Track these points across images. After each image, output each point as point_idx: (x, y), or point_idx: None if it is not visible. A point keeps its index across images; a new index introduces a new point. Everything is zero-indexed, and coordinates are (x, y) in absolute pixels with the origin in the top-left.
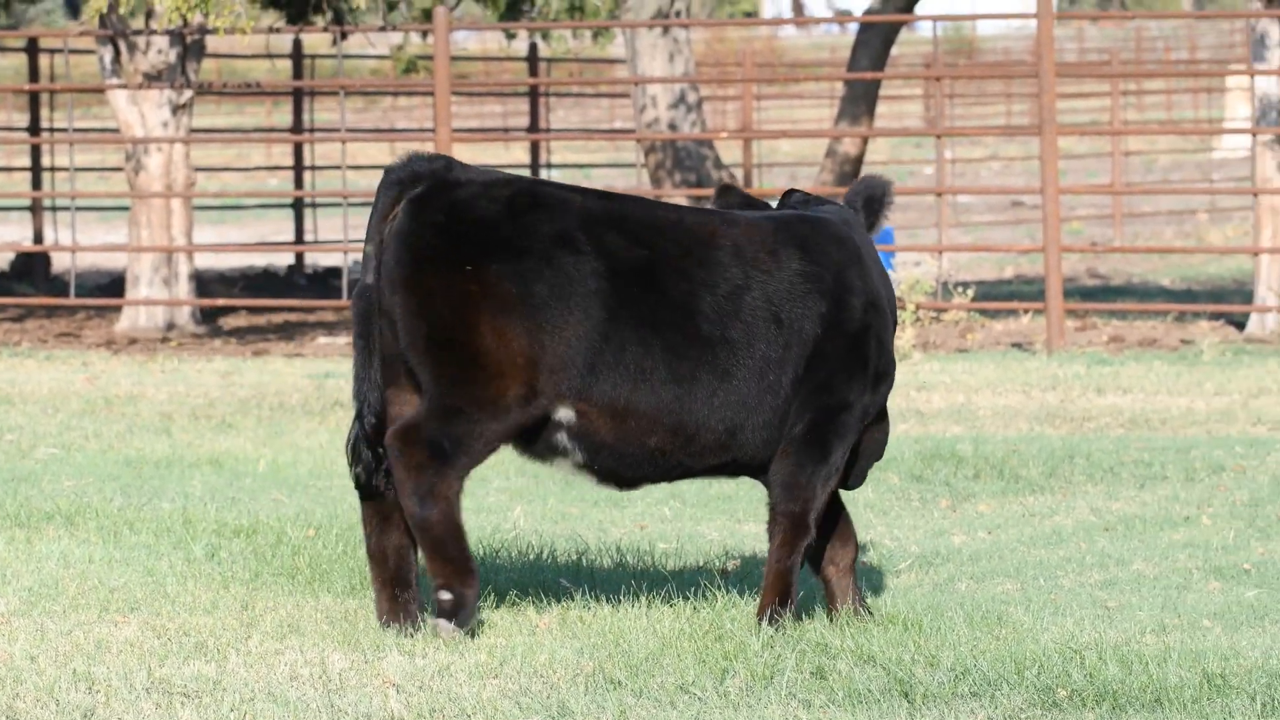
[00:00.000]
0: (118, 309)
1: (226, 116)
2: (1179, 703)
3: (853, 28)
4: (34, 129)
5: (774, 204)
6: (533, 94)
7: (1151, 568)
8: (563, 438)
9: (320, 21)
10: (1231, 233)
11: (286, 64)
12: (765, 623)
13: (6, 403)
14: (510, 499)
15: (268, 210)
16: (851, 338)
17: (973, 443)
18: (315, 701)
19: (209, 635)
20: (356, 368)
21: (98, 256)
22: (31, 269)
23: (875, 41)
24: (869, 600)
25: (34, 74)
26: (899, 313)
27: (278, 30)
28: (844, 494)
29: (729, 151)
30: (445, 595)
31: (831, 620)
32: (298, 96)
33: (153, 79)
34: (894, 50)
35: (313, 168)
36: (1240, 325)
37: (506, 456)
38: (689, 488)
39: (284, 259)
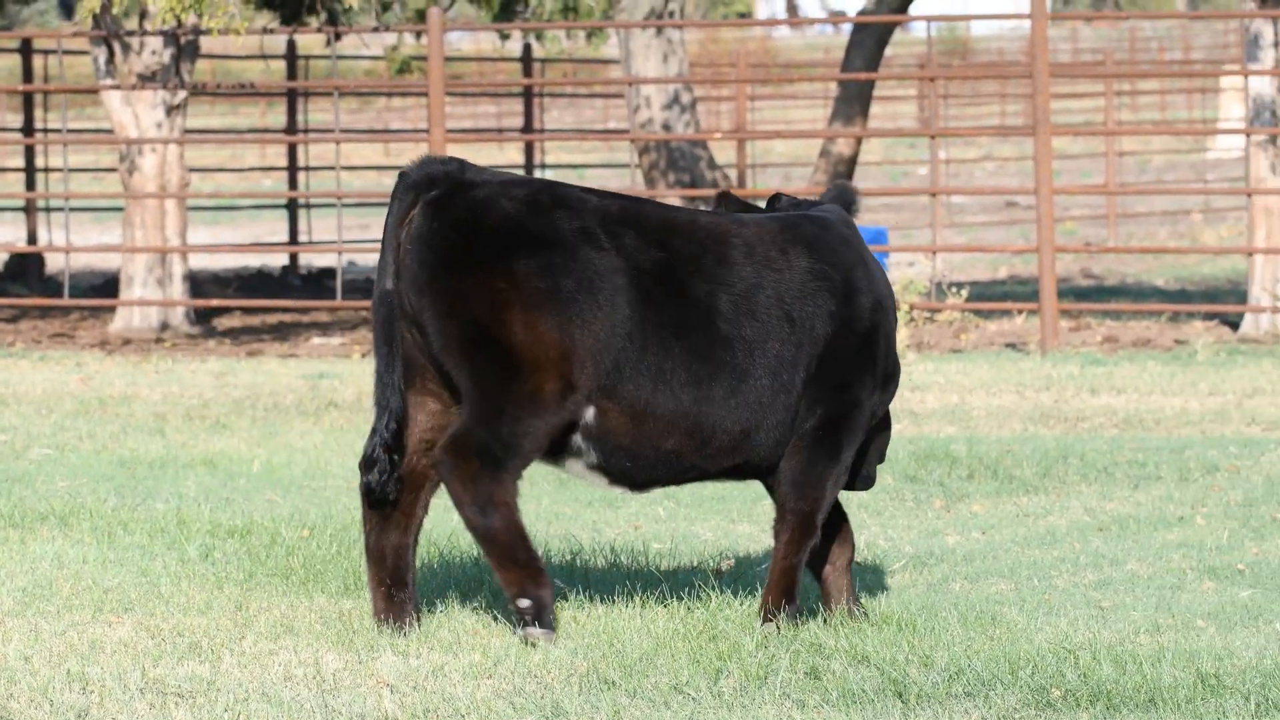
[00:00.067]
0: (112, 310)
1: (221, 117)
2: (1173, 703)
3: (846, 28)
4: (28, 130)
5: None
6: (527, 94)
7: (1145, 568)
8: (578, 438)
9: (314, 22)
10: (1226, 233)
11: (281, 65)
12: (766, 620)
13: (0, 403)
14: None
15: (262, 211)
16: (861, 337)
17: (967, 443)
18: (309, 702)
19: (203, 636)
20: (379, 373)
21: (92, 257)
22: (26, 270)
23: (869, 42)
24: (863, 600)
25: (28, 75)
26: None
27: (272, 31)
28: (842, 494)
29: (723, 152)
30: (524, 603)
31: (827, 619)
32: (292, 97)
33: (147, 80)
34: (888, 51)
35: (307, 168)
36: (1234, 325)
37: None
38: (684, 488)
39: (278, 260)
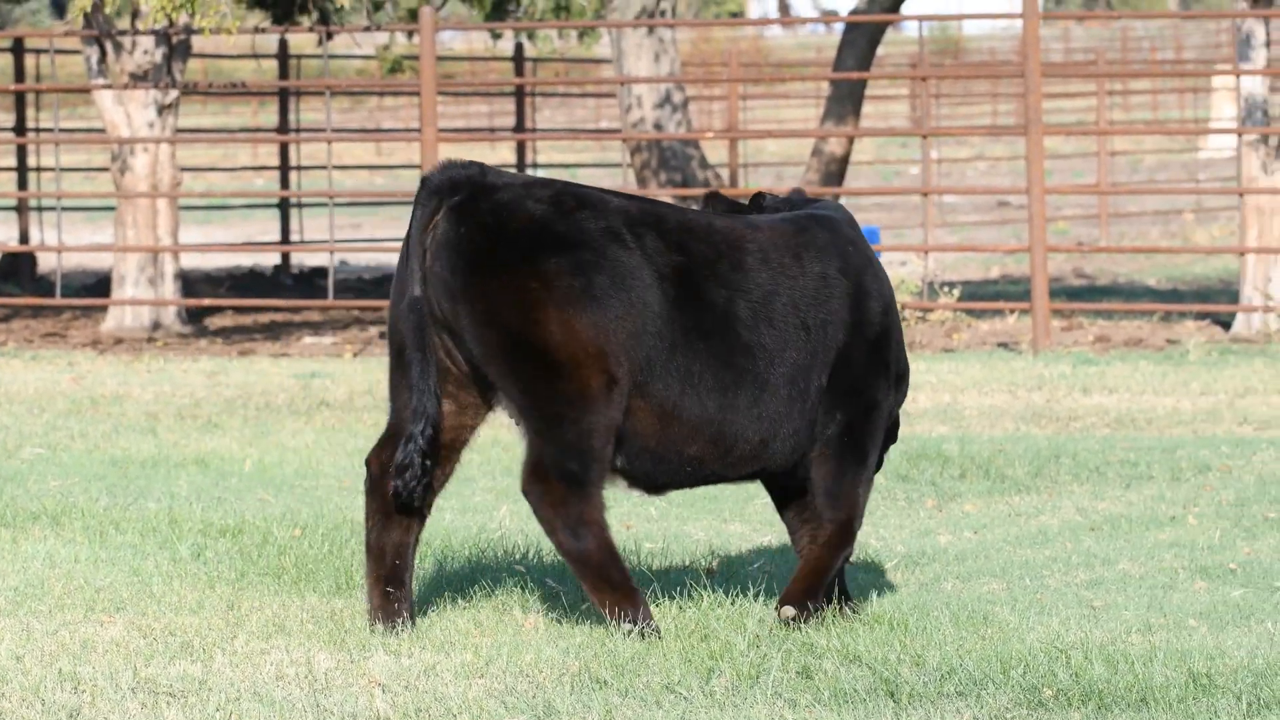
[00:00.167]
0: (104, 309)
1: (212, 116)
2: (1164, 702)
3: (838, 28)
4: (20, 129)
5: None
6: (518, 94)
7: (1137, 567)
8: None
9: (306, 21)
10: (1217, 232)
11: (272, 64)
12: (793, 607)
13: None
14: (496, 499)
15: (254, 210)
16: (874, 341)
17: (959, 442)
18: (301, 701)
19: (195, 635)
20: (415, 380)
21: (84, 256)
22: (17, 269)
23: (861, 41)
24: (855, 599)
25: (20, 74)
26: None
27: (263, 30)
28: None
29: (715, 151)
30: (626, 626)
31: (820, 618)
32: (283, 96)
33: (138, 79)
34: (880, 50)
35: (299, 168)
36: (1226, 325)
37: (491, 456)
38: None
39: (270, 259)
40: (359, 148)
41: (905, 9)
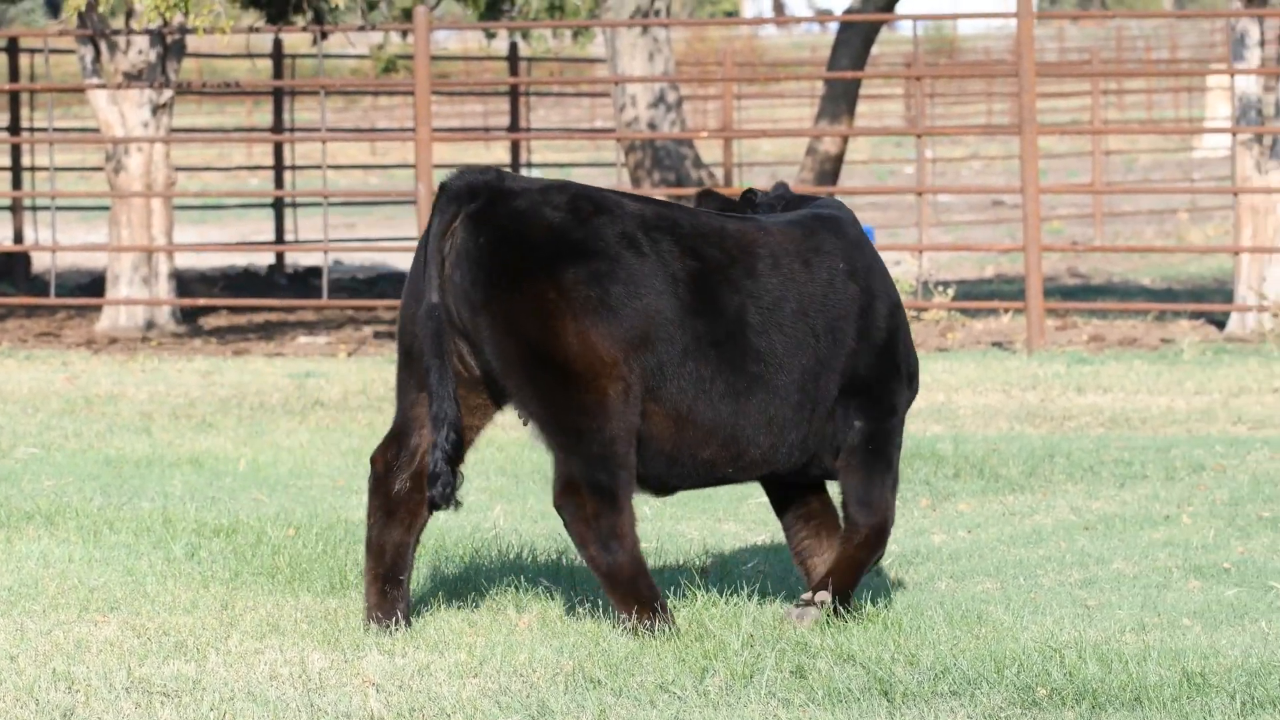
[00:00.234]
0: (98, 308)
1: (207, 116)
2: (1158, 701)
3: (833, 27)
4: (14, 129)
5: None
6: (513, 93)
7: (1131, 566)
8: None
9: (300, 21)
10: (1212, 232)
11: (267, 63)
12: (820, 589)
13: None
14: (490, 498)
15: (248, 210)
16: (884, 344)
17: (953, 442)
18: (295, 701)
19: (189, 634)
20: (434, 387)
21: (78, 256)
22: (11, 269)
23: (855, 41)
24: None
25: (14, 74)
26: None
27: (258, 30)
28: (833, 489)
29: (709, 151)
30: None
31: None
32: (278, 96)
33: (133, 78)
34: (874, 49)
35: (293, 167)
36: (1220, 324)
37: (486, 455)
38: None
39: (264, 258)
40: (353, 147)
41: (900, 8)
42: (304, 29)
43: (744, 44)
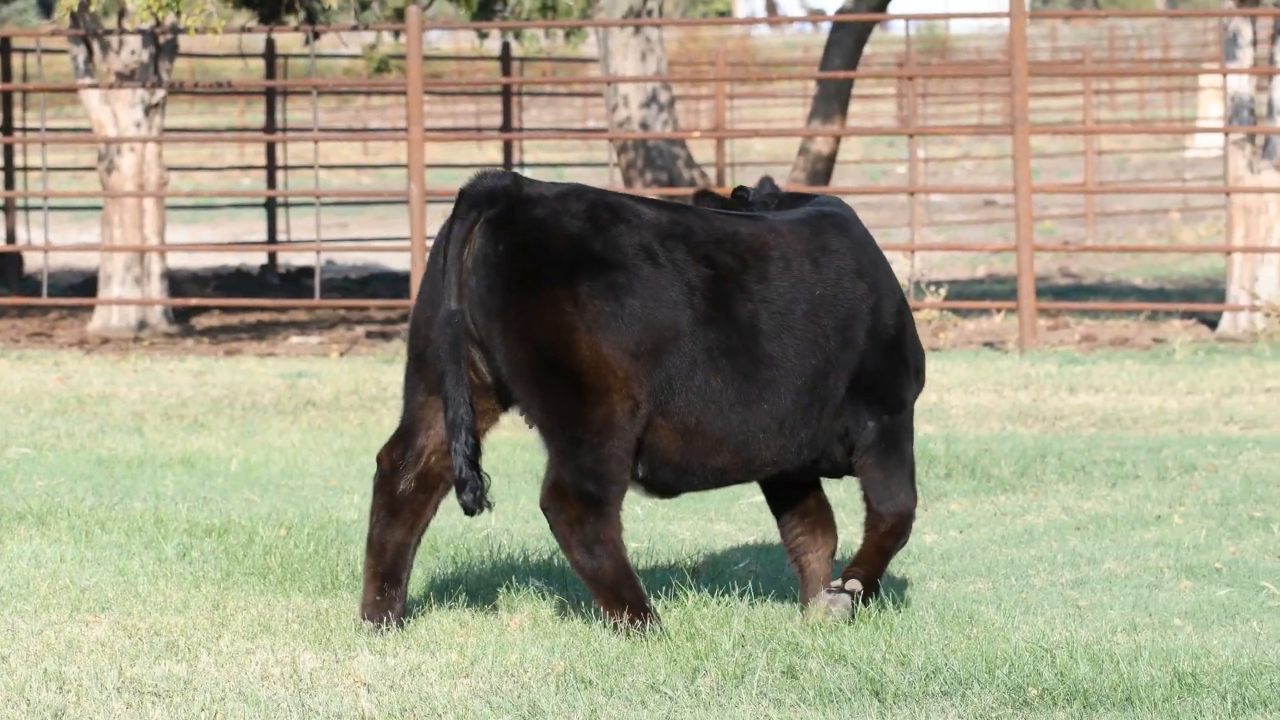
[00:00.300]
0: (90, 309)
1: (199, 116)
2: (1150, 701)
3: (825, 27)
4: (7, 129)
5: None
6: (505, 93)
7: (1123, 566)
8: None
9: (293, 21)
10: (1204, 232)
11: (259, 63)
12: (850, 578)
13: None
14: None
15: (240, 210)
16: (891, 341)
17: (945, 442)
18: (286, 701)
19: (180, 635)
20: (450, 392)
21: (70, 256)
22: (4, 269)
23: (848, 40)
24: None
25: (6, 74)
26: None
27: (250, 30)
28: (825, 487)
29: (702, 151)
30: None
31: (809, 606)
32: (270, 96)
33: (125, 78)
34: (867, 49)
35: (285, 167)
36: (1213, 324)
37: None
38: None
39: (257, 258)
40: (345, 147)
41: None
42: (296, 29)
43: (736, 44)
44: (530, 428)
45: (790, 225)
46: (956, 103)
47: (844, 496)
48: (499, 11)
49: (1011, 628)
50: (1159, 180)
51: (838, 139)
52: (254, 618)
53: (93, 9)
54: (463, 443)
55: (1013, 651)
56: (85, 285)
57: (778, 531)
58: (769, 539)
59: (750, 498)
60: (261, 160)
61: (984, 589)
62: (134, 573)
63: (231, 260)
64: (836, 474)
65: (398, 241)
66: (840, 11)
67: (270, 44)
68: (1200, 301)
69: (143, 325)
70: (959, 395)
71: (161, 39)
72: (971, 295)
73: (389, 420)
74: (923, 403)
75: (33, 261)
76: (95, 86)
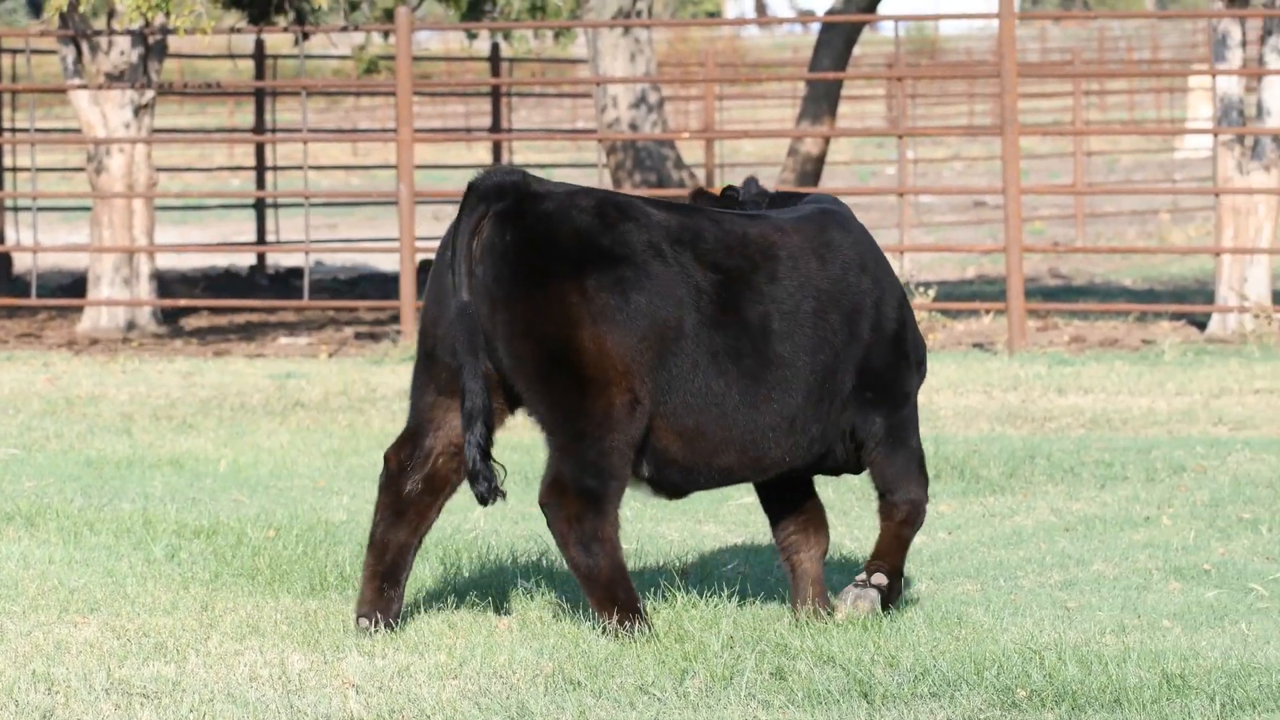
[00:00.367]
0: (79, 309)
1: (189, 117)
2: (1138, 703)
3: (815, 28)
4: None
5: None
6: (495, 94)
7: (1111, 568)
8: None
9: (282, 21)
10: (1193, 233)
11: (248, 64)
12: (876, 571)
13: None
14: (470, 500)
15: (229, 210)
16: (894, 336)
17: (934, 443)
18: (274, 702)
19: (168, 636)
20: (467, 384)
21: (59, 257)
22: None
23: (837, 41)
24: (830, 599)
25: None
26: None
27: (239, 30)
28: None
29: (691, 151)
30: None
31: (799, 605)
32: (260, 97)
33: (114, 79)
34: (856, 50)
35: (275, 168)
36: (1202, 325)
37: None
38: None
39: (246, 259)
40: (335, 148)
41: (881, 9)
42: (286, 29)
43: (726, 45)
44: (540, 431)
45: (794, 222)
46: (946, 104)
47: (834, 499)
48: (488, 12)
49: (1000, 629)
50: (1148, 181)
51: (827, 140)
52: (242, 619)
53: (82, 9)
54: (477, 434)
55: (1001, 653)
56: (74, 286)
57: (770, 530)
58: (757, 540)
59: (739, 499)
60: (250, 161)
61: (972, 590)
62: (122, 574)
63: (220, 261)
64: (841, 470)
65: (387, 242)
66: (830, 12)
67: (259, 45)
68: (1189, 303)
69: (131, 326)
70: (948, 396)
71: (151, 39)
72: (961, 296)
73: (378, 421)
74: None
75: (21, 262)
76: (84, 87)
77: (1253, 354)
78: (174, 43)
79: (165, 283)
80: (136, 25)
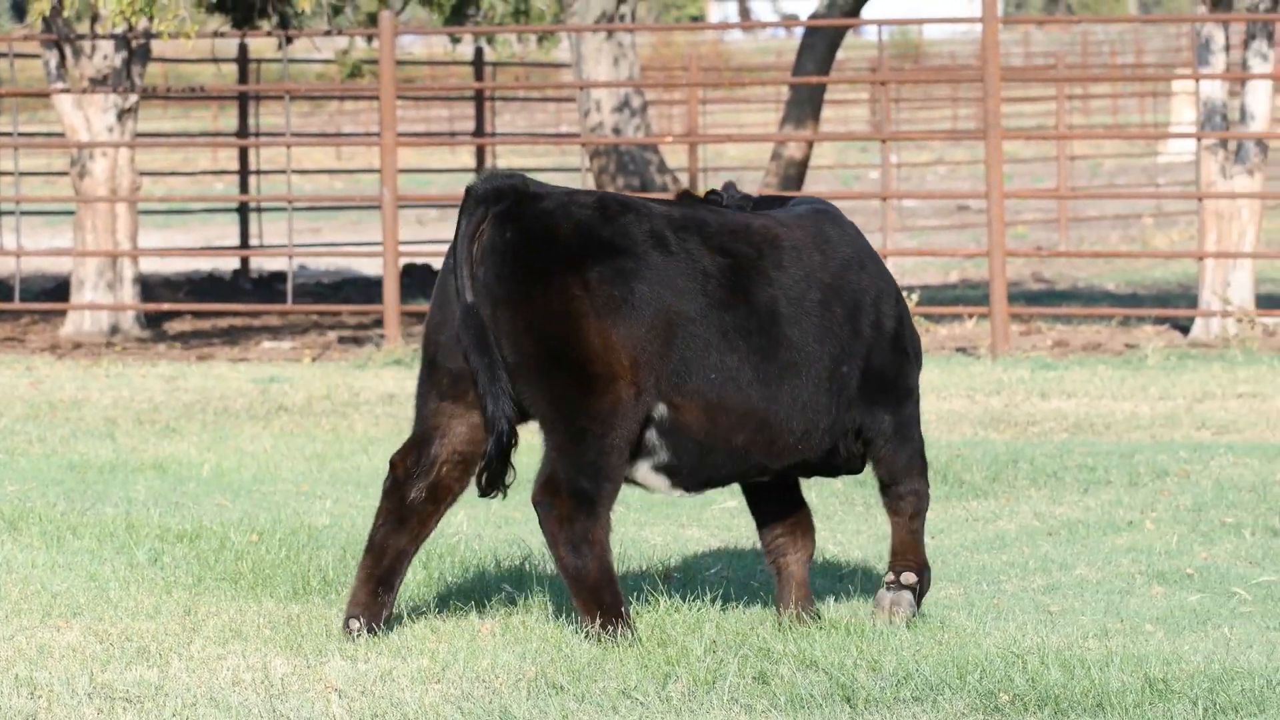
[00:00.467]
0: (62, 313)
1: (172, 121)
2: (1121, 707)
3: (798, 32)
4: None
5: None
6: (478, 98)
7: (1094, 572)
8: (652, 435)
9: (266, 25)
10: (1176, 237)
11: (232, 68)
12: (906, 570)
13: None
14: (458, 504)
15: (213, 214)
16: (893, 332)
17: None
18: (257, 706)
19: (151, 640)
20: (484, 386)
21: (42, 261)
22: None
23: (821, 45)
24: (814, 604)
25: None
26: None
27: (223, 34)
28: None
29: (675, 155)
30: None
31: (784, 608)
32: (243, 101)
33: (98, 83)
34: (840, 54)
35: (258, 172)
36: (1185, 329)
37: None
38: (632, 492)
39: (229, 263)
40: (318, 152)
41: (865, 13)
42: (269, 34)
43: (709, 49)
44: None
45: (791, 218)
46: (929, 108)
47: (817, 503)
48: (472, 16)
49: (983, 633)
50: (1132, 185)
51: (810, 144)
52: (225, 623)
53: (65, 13)
54: (500, 434)
55: (984, 657)
56: (57, 290)
57: (757, 533)
58: (741, 544)
59: (722, 503)
60: (234, 165)
61: (955, 595)
62: (105, 578)
63: (204, 265)
64: (841, 469)
65: (370, 246)
66: (813, 17)
67: (243, 49)
68: (1173, 307)
69: (115, 330)
70: (931, 400)
71: (134, 43)
72: (944, 300)
73: (361, 426)
74: None
75: (4, 266)
76: (68, 91)
77: (1236, 358)
78: (158, 47)
79: (148, 287)
80: (120, 29)
